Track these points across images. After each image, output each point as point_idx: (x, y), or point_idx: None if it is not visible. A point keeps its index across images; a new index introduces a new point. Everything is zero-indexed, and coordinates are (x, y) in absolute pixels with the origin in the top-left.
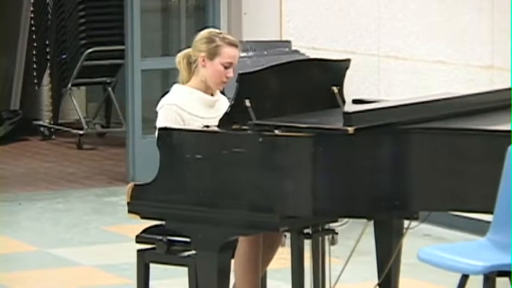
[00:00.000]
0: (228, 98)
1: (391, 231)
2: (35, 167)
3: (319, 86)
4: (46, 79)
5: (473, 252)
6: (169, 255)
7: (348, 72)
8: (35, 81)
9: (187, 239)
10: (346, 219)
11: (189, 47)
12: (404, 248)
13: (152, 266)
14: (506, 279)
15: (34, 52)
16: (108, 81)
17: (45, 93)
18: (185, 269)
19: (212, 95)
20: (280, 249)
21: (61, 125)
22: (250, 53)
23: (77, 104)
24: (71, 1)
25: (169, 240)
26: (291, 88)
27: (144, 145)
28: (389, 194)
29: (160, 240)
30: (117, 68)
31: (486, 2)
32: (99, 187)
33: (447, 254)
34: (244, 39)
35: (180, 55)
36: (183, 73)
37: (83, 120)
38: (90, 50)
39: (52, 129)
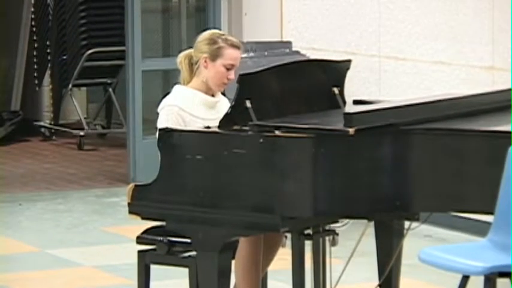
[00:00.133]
0: (229, 99)
1: (392, 232)
2: (35, 167)
3: (320, 86)
4: (47, 80)
5: (474, 253)
6: (170, 256)
7: (349, 73)
8: (36, 81)
9: (188, 240)
10: (346, 220)
11: (190, 47)
12: (405, 249)
13: (153, 266)
14: (507, 280)
15: (35, 53)
16: (109, 81)
17: (46, 94)
18: (186, 270)
19: (213, 96)
20: (280, 250)
21: (62, 125)
22: (251, 54)
23: (77, 104)
24: (72, 2)
25: (169, 241)
26: (291, 89)
27: (144, 146)
28: (390, 194)
29: (161, 241)
30: (118, 69)
31: (486, 3)
32: (99, 188)
33: (448, 254)
34: (245, 40)
35: (181, 55)
36: (184, 73)
37: (83, 121)
38: (91, 51)
39: (53, 130)
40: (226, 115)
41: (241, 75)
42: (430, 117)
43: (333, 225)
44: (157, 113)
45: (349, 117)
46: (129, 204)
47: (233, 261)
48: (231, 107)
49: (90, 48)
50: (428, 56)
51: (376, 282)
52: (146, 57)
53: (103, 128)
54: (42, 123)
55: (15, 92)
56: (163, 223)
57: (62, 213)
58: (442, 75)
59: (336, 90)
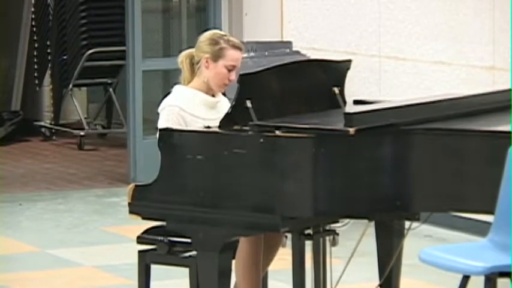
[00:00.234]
0: (229, 99)
1: (392, 232)
2: (35, 167)
3: (320, 86)
4: (47, 80)
5: (474, 253)
6: (170, 256)
7: (349, 73)
8: (36, 81)
9: (188, 240)
10: (347, 220)
11: (190, 47)
12: (405, 249)
13: (153, 266)
14: (507, 280)
15: (35, 53)
16: (109, 81)
17: (46, 94)
18: (186, 270)
19: (213, 96)
20: (281, 250)
21: (62, 125)
22: (251, 54)
23: (78, 104)
24: (72, 2)
25: (170, 240)
26: (292, 89)
27: (145, 146)
28: (390, 194)
29: (161, 241)
30: (118, 69)
31: (487, 3)
32: (100, 188)
33: (448, 254)
34: (245, 40)
35: (183, 54)
36: (185, 73)
37: (83, 121)
38: (91, 51)
39: (53, 130)
40: (227, 115)
41: (241, 75)
42: (430, 117)
43: (333, 225)
44: (158, 113)
45: (349, 117)
46: (129, 204)
47: (233, 261)
48: (232, 107)
49: (90, 48)
50: (429, 56)
51: (377, 282)
52: (146, 57)
53: (103, 128)
54: (42, 123)
55: (15, 92)
56: (164, 223)
57: (62, 213)
58: (443, 75)
59: (336, 90)
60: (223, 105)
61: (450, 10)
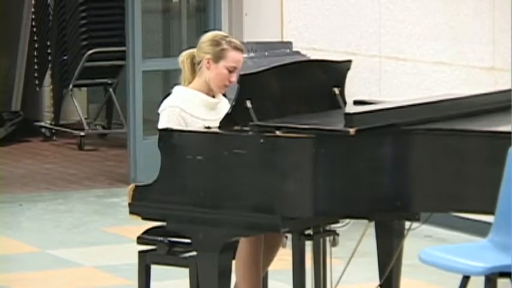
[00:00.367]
0: (229, 100)
1: (392, 232)
2: (35, 168)
3: (320, 87)
4: (47, 80)
5: (475, 253)
6: (171, 256)
7: (349, 73)
8: (36, 82)
9: (189, 240)
10: (347, 220)
11: (191, 47)
12: (405, 249)
13: (153, 267)
14: (507, 280)
15: (35, 53)
16: (110, 82)
17: (47, 94)
18: (186, 270)
19: (214, 97)
20: (281, 250)
21: (62, 126)
22: (251, 54)
23: (78, 105)
24: (72, 2)
25: (170, 241)
26: (292, 89)
27: (145, 146)
28: (390, 195)
29: (161, 241)
30: (118, 69)
31: (487, 3)
32: (100, 188)
33: (448, 255)
34: (245, 40)
35: (184, 54)
36: (186, 73)
37: (84, 121)
38: (91, 51)
39: (53, 130)
40: (227, 115)
41: (241, 76)
42: (431, 118)
43: (333, 226)
44: (158, 114)
45: (349, 118)
46: (129, 204)
47: (233, 261)
48: (232, 107)
49: (90, 49)
50: (429, 57)
51: (377, 282)
52: (146, 58)
53: (103, 128)
54: (42, 124)
55: (15, 92)
56: (164, 223)
57: (62, 214)
58: (443, 75)
59: (336, 90)
60: (224, 106)
61: (450, 10)
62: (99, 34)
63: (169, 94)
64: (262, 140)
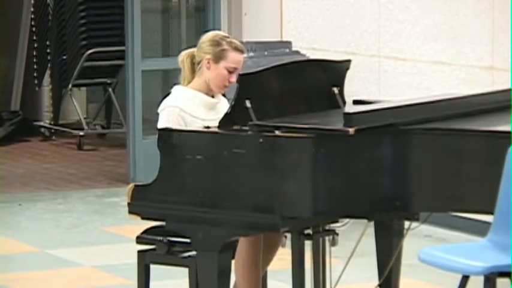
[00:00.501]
0: (229, 100)
1: (392, 232)
2: (35, 167)
3: (320, 86)
4: (46, 80)
5: (474, 253)
6: (170, 256)
7: (349, 73)
8: (36, 81)
9: (188, 240)
10: (346, 220)
11: (190, 47)
12: (404, 249)
13: (153, 266)
14: (506, 280)
15: (34, 53)
16: (109, 81)
17: (46, 94)
18: (186, 270)
19: (213, 97)
20: (280, 250)
21: (61, 125)
22: (251, 54)
23: (77, 104)
24: (72, 2)
25: (169, 240)
26: (291, 89)
27: (144, 146)
28: (389, 194)
29: (160, 241)
30: (118, 69)
31: (486, 3)
32: (99, 188)
33: (448, 254)
34: (245, 39)
35: (184, 54)
36: (186, 72)
37: (83, 121)
38: (90, 51)
39: (52, 130)
40: (226, 115)
41: (241, 75)
42: (430, 117)
43: (332, 225)
44: (157, 114)
45: (349, 117)
46: (129, 204)
47: (233, 261)
48: (231, 107)
49: (90, 48)
50: (428, 56)
51: (376, 282)
52: (146, 57)
53: (103, 128)
54: (42, 123)
55: (15, 92)
56: (163, 223)
57: (61, 213)
58: (442, 75)
59: (335, 90)
60: (223, 106)
61: (450, 10)
62: (99, 34)
63: (168, 94)
64: (261, 140)
